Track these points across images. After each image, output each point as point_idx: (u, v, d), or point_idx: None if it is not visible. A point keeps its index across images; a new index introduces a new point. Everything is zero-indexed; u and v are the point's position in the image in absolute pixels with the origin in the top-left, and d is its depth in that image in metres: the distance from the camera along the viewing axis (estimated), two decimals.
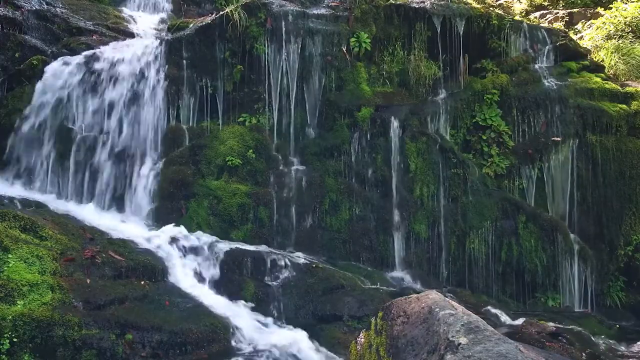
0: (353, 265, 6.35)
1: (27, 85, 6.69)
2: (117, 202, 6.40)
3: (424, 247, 6.66)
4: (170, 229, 5.94)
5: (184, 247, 5.65)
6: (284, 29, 7.00)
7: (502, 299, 6.53)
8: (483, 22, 7.43)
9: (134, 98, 6.72)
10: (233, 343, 4.69)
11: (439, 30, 7.28)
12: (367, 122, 6.90)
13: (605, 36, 9.39)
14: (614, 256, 6.88)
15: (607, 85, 7.42)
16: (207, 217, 6.28)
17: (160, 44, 7.08)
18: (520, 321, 5.57)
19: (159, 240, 5.65)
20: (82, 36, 7.64)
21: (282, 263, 5.79)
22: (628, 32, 9.38)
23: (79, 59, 6.89)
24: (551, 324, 5.49)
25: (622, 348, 5.41)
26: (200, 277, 5.46)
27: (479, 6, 8.27)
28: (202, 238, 5.90)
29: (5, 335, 3.90)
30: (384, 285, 6.04)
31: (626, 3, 9.90)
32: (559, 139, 7.00)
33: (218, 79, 7.01)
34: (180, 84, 6.92)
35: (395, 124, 6.94)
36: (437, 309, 3.06)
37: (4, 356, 3.84)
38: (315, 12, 7.34)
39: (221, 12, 7.13)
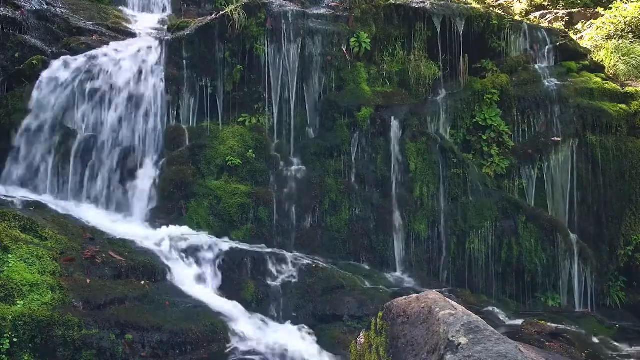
0: (353, 265, 6.34)
1: (27, 85, 6.68)
2: (117, 202, 6.39)
3: (424, 247, 6.66)
4: (170, 229, 5.94)
5: (184, 247, 5.65)
6: (284, 29, 7.00)
7: (502, 299, 6.53)
8: (483, 22, 7.43)
9: (134, 98, 6.71)
10: (233, 343, 4.69)
11: (439, 30, 7.28)
12: (367, 122, 6.90)
13: (605, 36, 9.40)
14: (614, 256, 6.88)
15: (607, 85, 7.42)
16: (207, 217, 6.28)
17: (160, 44, 7.08)
18: (520, 321, 5.57)
19: (159, 240, 5.65)
20: (82, 36, 7.63)
21: (282, 263, 5.79)
22: (628, 32, 9.39)
23: (79, 59, 6.89)
24: (551, 324, 5.48)
25: (622, 348, 5.41)
26: (200, 277, 5.46)
27: (479, 6, 8.28)
28: (202, 238, 5.90)
29: (5, 335, 3.90)
30: (384, 285, 6.04)
31: (626, 3, 9.90)
32: (559, 139, 7.00)
33: (218, 79, 7.01)
34: (180, 84, 6.92)
35: (395, 124, 6.94)
36: (437, 309, 3.06)
37: (4, 356, 3.84)
38: (315, 12, 7.34)
39: (221, 12, 7.13)
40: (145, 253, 5.30)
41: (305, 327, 5.17)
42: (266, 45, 6.99)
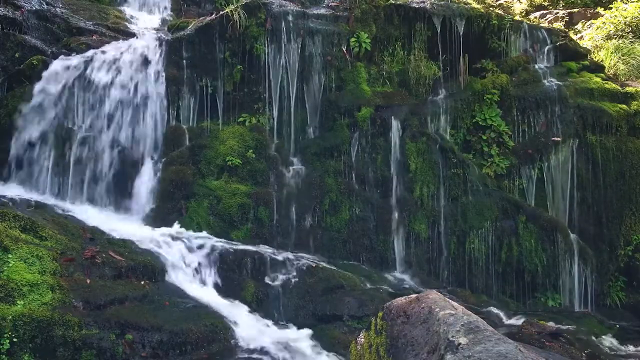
0: (353, 265, 6.34)
1: (27, 85, 6.68)
2: (117, 202, 6.40)
3: (424, 247, 6.66)
4: (170, 229, 5.94)
5: (184, 247, 5.65)
6: (284, 29, 7.00)
7: (502, 299, 6.53)
8: (483, 22, 7.43)
9: (134, 98, 6.71)
10: (233, 343, 4.69)
11: (439, 30, 7.28)
12: (367, 122, 6.90)
13: (605, 36, 9.40)
14: (614, 256, 6.88)
15: (607, 85, 7.42)
16: (207, 217, 6.28)
17: (160, 44, 7.08)
18: (520, 321, 5.57)
19: (159, 240, 5.65)
20: (82, 36, 7.63)
21: (282, 263, 5.79)
22: (628, 32, 9.39)
23: (79, 59, 6.89)
24: (551, 324, 5.49)
25: (622, 348, 5.41)
26: (200, 277, 5.46)
27: (479, 6, 8.28)
28: (202, 238, 5.90)
29: (5, 335, 3.90)
30: (384, 285, 6.04)
31: (626, 3, 9.90)
32: (559, 139, 7.00)
33: (218, 79, 7.01)
34: (180, 84, 6.92)
35: (395, 124, 6.94)
36: (437, 309, 3.06)
37: (4, 356, 3.84)
38: (315, 12, 7.34)
39: (221, 12, 7.13)
40: (145, 253, 5.30)
41: (305, 327, 5.17)
42: (266, 45, 6.99)
